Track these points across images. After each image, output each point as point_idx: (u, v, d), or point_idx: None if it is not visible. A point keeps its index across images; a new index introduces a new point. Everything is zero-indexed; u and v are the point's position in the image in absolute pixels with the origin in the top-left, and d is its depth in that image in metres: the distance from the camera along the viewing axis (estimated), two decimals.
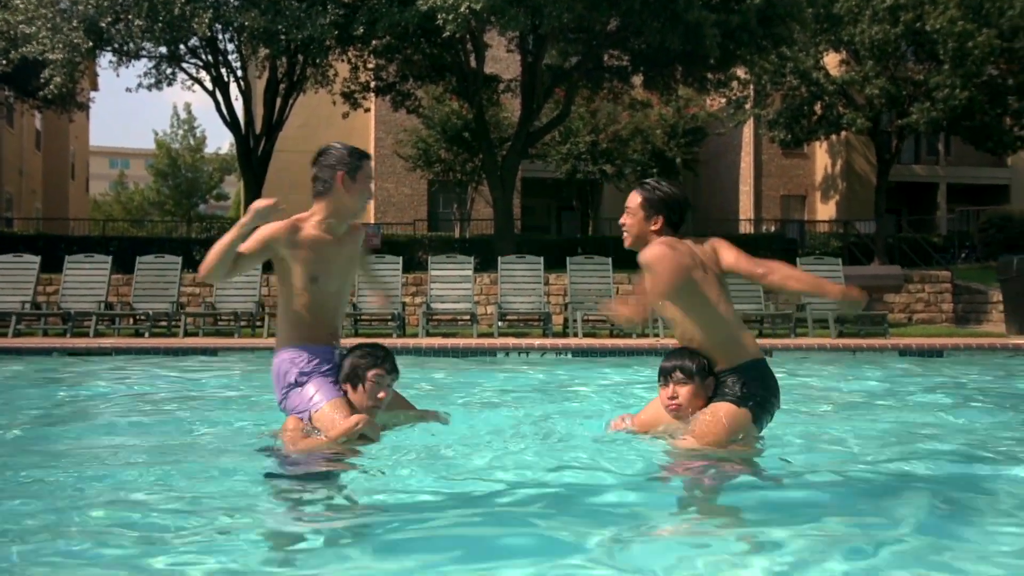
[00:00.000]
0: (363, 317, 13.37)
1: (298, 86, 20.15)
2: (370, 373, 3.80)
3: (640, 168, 27.65)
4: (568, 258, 14.43)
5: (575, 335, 13.02)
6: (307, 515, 3.10)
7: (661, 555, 2.56)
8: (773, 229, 31.75)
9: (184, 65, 19.43)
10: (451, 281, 14.01)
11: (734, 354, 3.81)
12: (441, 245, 24.13)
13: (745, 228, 32.16)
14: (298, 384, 3.84)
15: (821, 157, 33.44)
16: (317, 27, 15.97)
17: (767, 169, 33.46)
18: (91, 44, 16.59)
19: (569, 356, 10.55)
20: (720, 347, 3.82)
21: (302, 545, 2.74)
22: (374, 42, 18.69)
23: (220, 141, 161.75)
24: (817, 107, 25.69)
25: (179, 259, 14.31)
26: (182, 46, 18.40)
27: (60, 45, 16.20)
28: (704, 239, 4.03)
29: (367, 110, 23.75)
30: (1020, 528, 2.92)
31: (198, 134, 48.08)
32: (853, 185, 32.21)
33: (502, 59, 24.87)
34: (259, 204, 3.86)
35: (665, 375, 3.86)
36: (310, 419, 3.81)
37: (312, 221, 3.98)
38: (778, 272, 3.87)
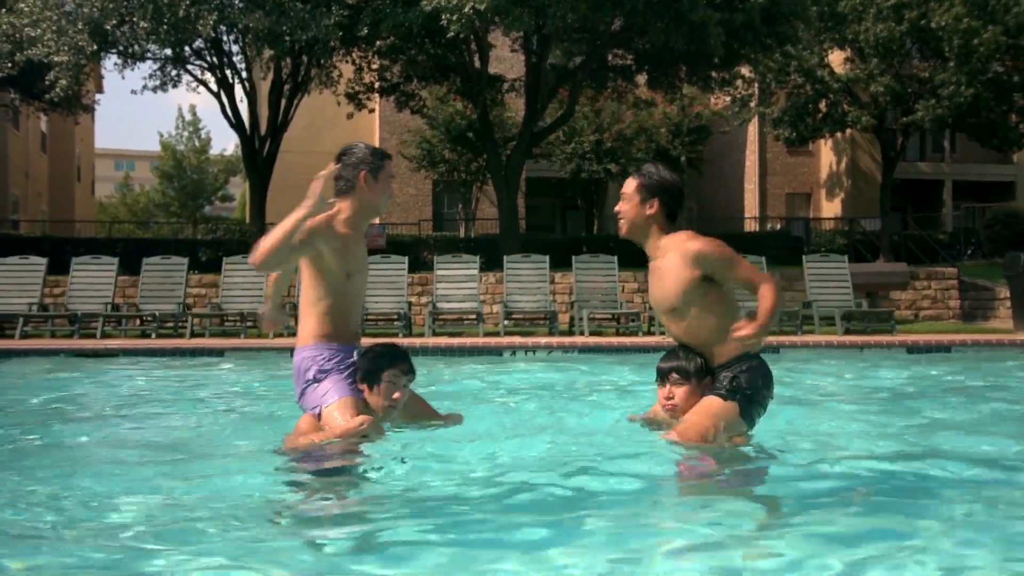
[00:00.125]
0: (369, 317, 13.38)
1: (302, 87, 20.18)
2: (386, 373, 3.79)
3: None
4: (573, 257, 14.43)
5: (581, 333, 13.01)
6: (316, 512, 3.10)
7: (659, 550, 2.56)
8: (778, 227, 31.72)
9: (189, 67, 19.47)
10: (457, 281, 14.01)
11: (734, 347, 3.78)
12: (446, 245, 24.13)
13: (750, 226, 32.12)
14: (316, 381, 3.85)
15: (826, 155, 33.39)
16: (321, 28, 15.98)
17: (772, 167, 33.42)
18: (96, 46, 16.63)
19: (576, 354, 10.55)
20: (725, 341, 3.79)
21: (311, 542, 2.74)
22: (378, 43, 18.71)
23: (225, 142, 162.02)
24: (822, 105, 25.65)
25: (185, 260, 14.33)
26: (187, 48, 18.43)
27: (65, 48, 16.24)
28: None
29: (371, 111, 23.79)
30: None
31: (203, 136, 48.18)
32: (858, 183, 32.16)
33: (506, 59, 24.88)
34: (318, 187, 3.80)
35: (662, 376, 3.87)
36: (319, 416, 3.82)
37: (340, 219, 3.99)
38: None
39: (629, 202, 3.89)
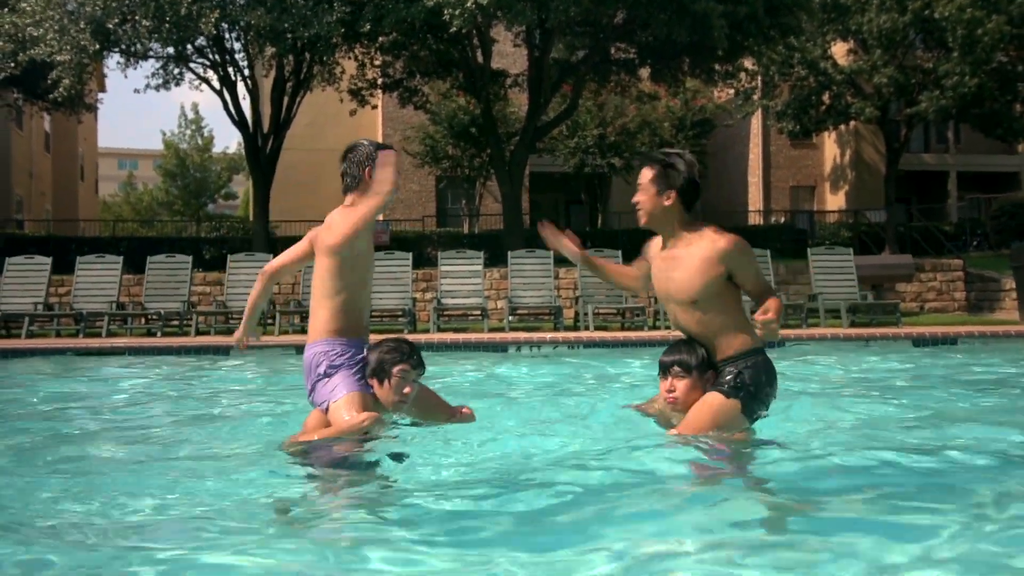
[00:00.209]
0: (373, 313, 13.37)
1: (305, 84, 20.16)
2: (395, 368, 3.78)
3: None
4: None
5: (586, 328, 13.01)
6: (319, 509, 3.10)
7: (666, 547, 2.55)
8: (783, 220, 31.66)
9: (191, 65, 19.46)
10: (461, 276, 14.01)
11: (738, 341, 3.79)
12: (450, 241, 24.12)
13: (754, 219, 32.05)
14: (327, 376, 3.85)
15: (830, 147, 33.31)
16: (323, 25, 15.96)
17: (776, 160, 33.35)
18: (98, 45, 16.63)
19: (581, 349, 10.54)
20: (731, 336, 3.79)
21: (315, 539, 2.73)
22: (381, 39, 18.67)
23: (228, 140, 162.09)
24: (825, 97, 25.57)
25: (189, 258, 14.35)
26: (189, 46, 18.42)
27: (68, 47, 16.25)
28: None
29: (374, 107, 23.76)
30: None
31: (206, 134, 48.19)
32: (862, 175, 32.08)
33: (509, 54, 24.84)
34: (390, 174, 3.88)
35: (664, 369, 3.85)
36: (327, 411, 3.82)
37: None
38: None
39: (645, 193, 3.82)
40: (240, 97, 20.15)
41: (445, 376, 7.40)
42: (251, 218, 25.14)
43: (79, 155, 38.07)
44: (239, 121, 20.04)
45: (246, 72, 20.08)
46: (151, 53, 18.26)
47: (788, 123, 26.47)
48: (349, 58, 20.20)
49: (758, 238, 22.66)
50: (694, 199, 3.82)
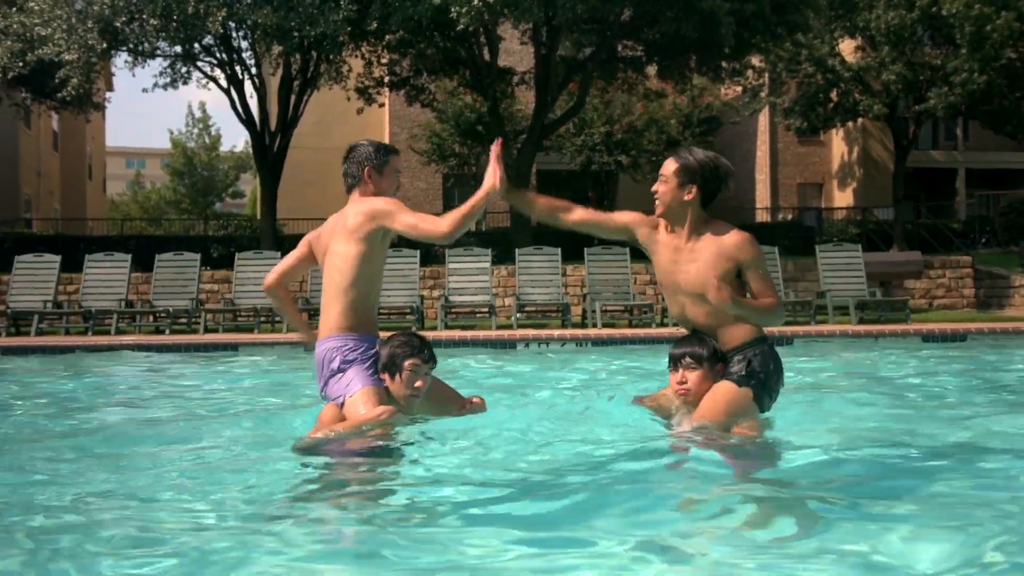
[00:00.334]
0: (381, 311, 13.39)
1: (312, 82, 20.16)
2: (407, 363, 3.79)
3: (655, 158, 27.53)
4: (586, 249, 14.39)
5: (594, 326, 13.00)
6: (334, 504, 3.10)
7: (675, 541, 2.55)
8: (790, 217, 31.59)
9: (199, 63, 19.48)
10: (469, 274, 14.01)
11: (746, 332, 3.82)
12: (458, 239, 24.10)
13: (762, 217, 31.98)
14: (340, 371, 3.86)
15: (837, 144, 33.22)
16: (330, 23, 15.96)
17: (783, 157, 33.27)
18: (106, 44, 16.66)
19: (589, 346, 10.54)
20: (738, 327, 3.81)
21: (329, 533, 2.74)
22: (387, 37, 18.67)
23: (235, 139, 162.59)
24: (833, 94, 25.50)
25: (197, 256, 14.39)
26: (196, 44, 18.43)
27: (75, 46, 16.27)
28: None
29: (381, 105, 23.77)
30: None
31: (213, 132, 48.24)
32: (870, 172, 31.98)
33: (516, 51, 24.80)
34: (496, 170, 3.88)
35: (675, 361, 3.87)
36: (343, 406, 3.82)
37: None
38: None
39: (666, 184, 3.83)
40: (247, 96, 20.18)
41: (451, 375, 7.40)
42: (258, 216, 25.16)
43: (87, 154, 38.17)
44: (246, 120, 20.06)
45: (253, 71, 20.10)
46: (159, 52, 18.28)
47: (796, 120, 26.41)
48: (356, 56, 20.20)
49: (766, 235, 22.61)
50: (713, 197, 3.84)
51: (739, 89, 26.46)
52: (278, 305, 4.50)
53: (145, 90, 19.91)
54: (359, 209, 3.97)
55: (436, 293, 14.71)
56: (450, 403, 4.14)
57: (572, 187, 33.02)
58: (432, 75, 21.35)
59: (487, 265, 14.12)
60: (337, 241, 3.98)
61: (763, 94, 26.38)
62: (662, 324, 12.97)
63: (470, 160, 27.97)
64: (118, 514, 2.88)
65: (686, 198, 3.79)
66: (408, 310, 13.33)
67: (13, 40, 16.91)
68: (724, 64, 20.10)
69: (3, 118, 26.08)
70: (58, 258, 13.95)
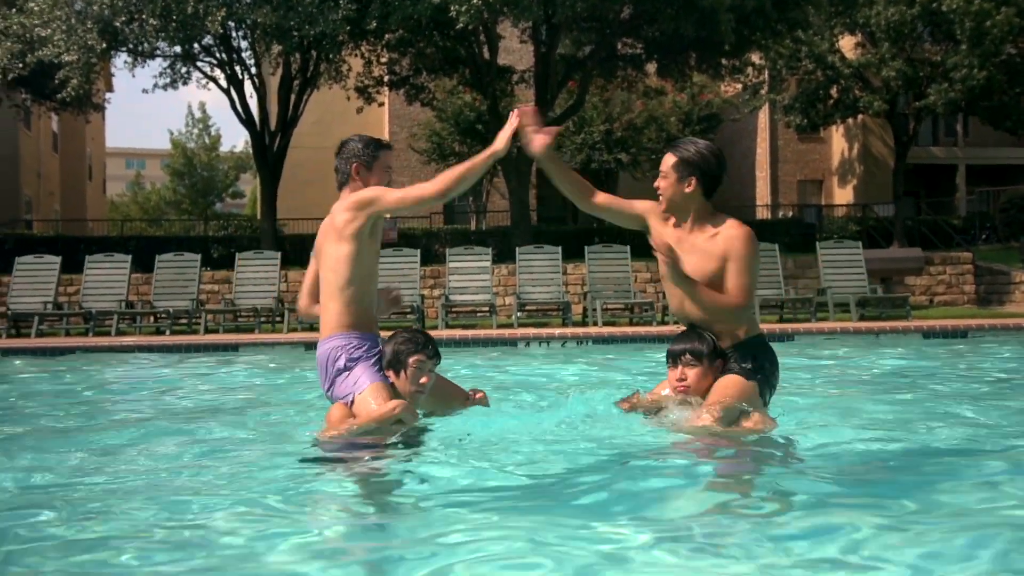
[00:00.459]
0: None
1: (312, 82, 20.16)
2: (411, 359, 3.80)
3: (655, 156, 27.52)
4: (586, 247, 14.39)
5: (595, 324, 12.99)
6: (345, 506, 3.10)
7: (678, 541, 2.54)
8: (791, 214, 31.58)
9: (198, 64, 19.48)
10: (469, 273, 14.01)
11: (746, 328, 3.85)
12: (458, 237, 24.10)
13: (762, 214, 31.97)
14: (347, 369, 3.86)
15: (838, 141, 33.20)
16: (329, 22, 15.96)
17: (783, 154, 33.25)
18: (105, 45, 16.67)
19: (589, 345, 10.53)
20: (736, 322, 3.83)
21: (342, 535, 2.73)
22: (387, 36, 18.68)
23: (235, 139, 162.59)
24: (833, 91, 25.49)
25: (198, 257, 14.39)
26: (196, 45, 18.43)
27: (75, 47, 16.28)
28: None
29: (381, 104, 23.78)
30: None
31: (213, 133, 48.24)
32: (870, 168, 31.96)
33: (515, 50, 24.79)
34: (506, 135, 3.86)
35: (674, 357, 3.86)
36: (352, 403, 3.82)
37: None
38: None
39: (667, 179, 3.84)
40: (247, 95, 20.18)
41: (454, 375, 7.40)
42: (259, 216, 25.16)
43: (87, 155, 38.17)
44: (246, 119, 20.06)
45: (253, 70, 20.10)
46: (158, 52, 18.28)
47: (796, 117, 26.40)
48: (356, 56, 20.20)
49: (766, 232, 22.60)
50: (715, 187, 3.84)
51: (739, 86, 26.45)
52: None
53: (145, 91, 19.91)
54: (343, 206, 3.97)
55: (437, 292, 14.71)
56: (454, 398, 4.15)
57: None
58: (432, 74, 21.35)
59: (487, 264, 14.12)
60: (328, 242, 3.99)
61: (763, 91, 26.37)
62: (663, 322, 12.96)
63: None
64: (123, 515, 2.88)
65: (687, 190, 3.80)
66: (409, 309, 13.33)
67: (13, 41, 16.92)
68: (724, 61, 20.09)
69: (3, 119, 26.08)
70: (58, 259, 13.95)
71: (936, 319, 12.79)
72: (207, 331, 12.95)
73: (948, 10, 21.56)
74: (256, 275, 14.09)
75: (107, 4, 16.10)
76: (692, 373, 3.80)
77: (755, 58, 21.47)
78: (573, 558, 2.38)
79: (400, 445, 3.68)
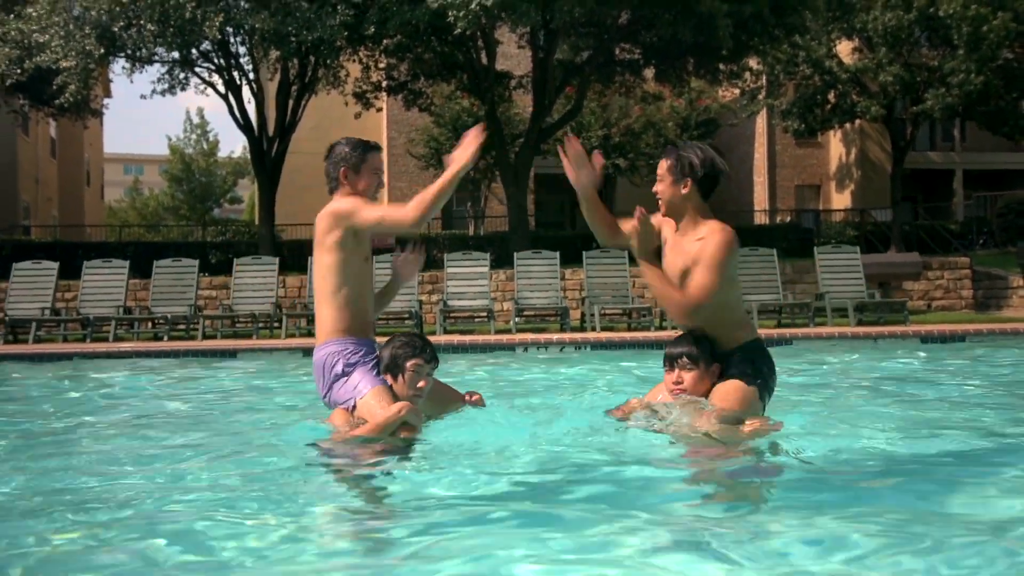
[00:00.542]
0: (380, 316, 13.37)
1: (310, 87, 20.18)
2: (409, 363, 3.79)
3: (653, 161, 27.55)
4: (584, 252, 14.38)
5: (593, 329, 12.99)
6: (352, 512, 3.09)
7: (681, 545, 2.54)
8: (788, 219, 31.60)
9: (196, 69, 19.49)
10: (467, 278, 14.00)
11: (742, 333, 3.86)
12: (456, 243, 24.12)
13: (760, 219, 32.00)
14: (345, 374, 3.85)
15: (835, 146, 33.25)
16: (327, 28, 15.98)
17: (781, 159, 33.29)
18: (103, 50, 16.67)
19: (588, 350, 10.53)
20: (733, 326, 3.85)
21: (344, 542, 2.73)
22: (385, 41, 18.68)
23: (233, 145, 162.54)
24: (831, 96, 25.53)
25: (195, 262, 14.37)
26: (194, 50, 18.44)
27: (73, 52, 16.28)
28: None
29: (379, 110, 23.79)
30: None
31: (211, 138, 48.29)
32: (868, 173, 32.01)
33: (513, 55, 24.83)
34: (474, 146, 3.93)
35: (671, 360, 3.86)
36: (354, 408, 3.81)
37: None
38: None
39: (663, 183, 3.87)
40: (245, 101, 20.19)
41: (453, 380, 7.38)
42: (257, 222, 25.17)
43: (85, 161, 38.19)
44: (244, 125, 20.07)
45: (251, 76, 20.11)
46: (156, 58, 18.29)
47: (793, 122, 26.43)
48: (354, 61, 20.22)
49: (764, 237, 22.64)
50: (711, 187, 3.85)
51: (737, 91, 26.48)
52: None
53: (143, 96, 19.97)
54: (322, 215, 3.97)
55: (435, 297, 14.70)
56: (451, 402, 4.15)
57: (570, 191, 32.98)
58: (430, 79, 21.36)
59: (486, 269, 14.11)
60: (315, 251, 4.01)
61: (761, 96, 26.42)
62: (661, 327, 12.95)
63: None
64: (118, 521, 2.87)
65: (683, 192, 3.82)
66: (407, 315, 13.32)
67: (11, 47, 16.92)
68: (722, 66, 20.12)
69: (1, 125, 26.08)
70: (56, 265, 13.93)
71: (934, 324, 12.79)
72: (205, 337, 12.93)
73: (945, 15, 21.61)
74: (254, 280, 14.08)
75: (105, 10, 16.10)
76: (688, 377, 3.81)
77: (753, 63, 21.49)
78: (572, 564, 2.37)
79: (399, 450, 3.67)
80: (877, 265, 15.50)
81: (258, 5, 16.38)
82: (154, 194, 52.68)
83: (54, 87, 17.03)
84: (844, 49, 25.78)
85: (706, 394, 3.80)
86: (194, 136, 47.91)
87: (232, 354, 10.44)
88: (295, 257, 18.16)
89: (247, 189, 51.47)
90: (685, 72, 20.62)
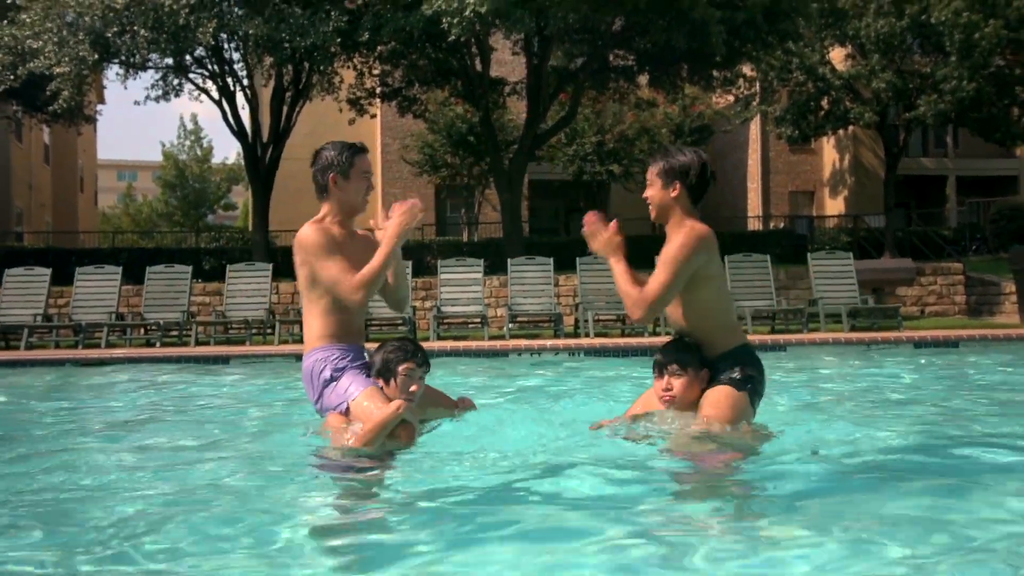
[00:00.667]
0: (374, 321, 13.36)
1: (304, 94, 20.18)
2: (401, 367, 3.77)
3: (647, 168, 27.58)
4: (578, 258, 14.39)
5: (586, 335, 12.99)
6: (346, 516, 3.08)
7: (676, 549, 2.53)
8: (782, 225, 31.67)
9: (190, 75, 19.48)
10: (461, 284, 14.00)
11: (731, 338, 3.85)
12: (450, 249, 24.11)
13: (754, 225, 32.07)
14: (333, 379, 3.83)
15: (829, 152, 33.34)
16: (321, 34, 15.99)
17: (775, 166, 33.37)
18: (97, 56, 16.66)
19: (581, 356, 10.52)
20: (721, 330, 3.84)
21: (344, 545, 2.72)
22: (379, 48, 18.71)
23: (227, 151, 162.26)
24: (824, 102, 25.58)
25: (189, 269, 14.35)
26: (188, 56, 18.44)
27: (67, 58, 16.27)
28: None
29: (373, 116, 23.80)
30: None
31: (205, 144, 48.26)
32: (861, 179, 32.10)
33: (507, 62, 24.88)
34: (406, 218, 3.88)
35: (660, 367, 3.86)
36: (347, 411, 3.78)
37: (327, 221, 4.01)
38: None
39: (652, 187, 3.86)
40: (239, 107, 20.20)
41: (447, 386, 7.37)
42: (250, 228, 25.14)
43: (78, 167, 38.12)
44: (238, 131, 20.06)
45: (245, 82, 20.11)
46: (150, 64, 18.28)
47: (787, 128, 26.48)
48: (348, 67, 20.24)
49: (757, 243, 22.69)
50: (701, 192, 3.84)
51: (730, 98, 26.56)
52: None
53: (137, 102, 19.88)
54: (297, 241, 3.92)
55: (428, 304, 14.69)
56: (442, 406, 4.14)
57: (564, 197, 33.11)
58: (424, 86, 21.39)
59: (479, 275, 14.11)
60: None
61: (754, 103, 26.48)
62: (655, 333, 12.95)
63: (462, 171, 28.01)
64: (111, 527, 2.85)
65: (672, 195, 3.81)
66: (400, 321, 13.31)
67: (4, 53, 16.90)
68: (715, 73, 20.17)
69: None
70: (48, 271, 13.90)
71: (927, 330, 12.81)
72: (198, 343, 12.90)
73: (937, 22, 21.68)
74: (247, 287, 14.06)
75: (98, 16, 16.10)
76: (678, 383, 3.80)
77: (746, 70, 21.56)
78: (567, 568, 2.37)
79: (392, 455, 3.66)
80: (870, 271, 15.53)
81: (252, 11, 16.39)
82: (148, 200, 52.61)
83: (48, 93, 17.01)
84: (837, 56, 25.86)
85: (696, 400, 3.79)
86: (188, 142, 47.90)
87: (225, 360, 10.42)
88: (288, 263, 17.81)
89: (241, 195, 51.46)
90: (679, 78, 20.67)
